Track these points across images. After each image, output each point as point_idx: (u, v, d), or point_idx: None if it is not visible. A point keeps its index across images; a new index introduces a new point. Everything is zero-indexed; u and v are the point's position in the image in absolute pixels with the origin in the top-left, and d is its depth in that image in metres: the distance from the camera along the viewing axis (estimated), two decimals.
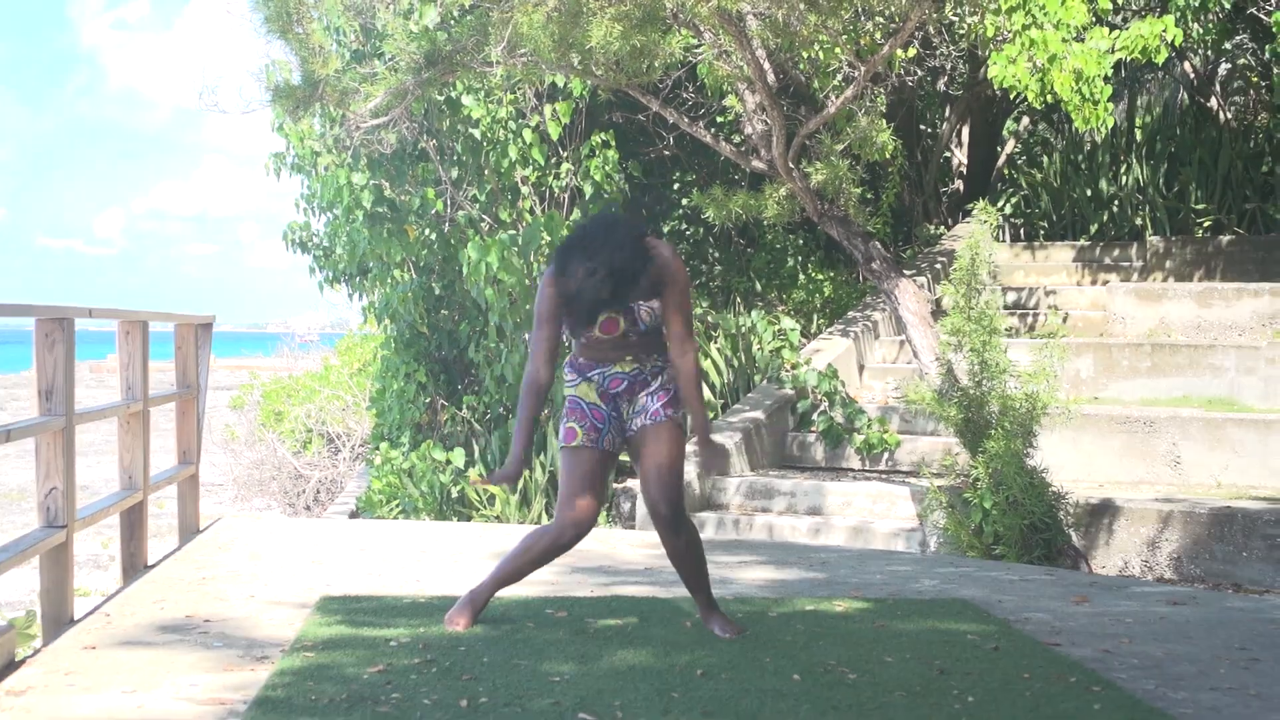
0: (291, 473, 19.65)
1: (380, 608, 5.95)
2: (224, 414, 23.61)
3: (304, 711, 4.32)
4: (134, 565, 7.04)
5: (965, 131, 18.70)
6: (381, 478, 12.94)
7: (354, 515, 13.36)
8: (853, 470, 11.85)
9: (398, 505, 12.67)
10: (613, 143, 13.07)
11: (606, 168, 12.84)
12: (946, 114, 18.31)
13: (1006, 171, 18.53)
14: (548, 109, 12.70)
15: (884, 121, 11.46)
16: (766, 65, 10.26)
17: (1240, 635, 5.71)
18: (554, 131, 12.67)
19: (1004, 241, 17.05)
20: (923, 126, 18.70)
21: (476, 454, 12.59)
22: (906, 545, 10.04)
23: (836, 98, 10.54)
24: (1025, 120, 19.37)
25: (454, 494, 12.18)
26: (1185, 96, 18.03)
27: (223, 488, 20.31)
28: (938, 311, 11.04)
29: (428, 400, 13.70)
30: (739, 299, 15.57)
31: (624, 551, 7.95)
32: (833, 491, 10.83)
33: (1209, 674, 5.00)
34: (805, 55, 10.80)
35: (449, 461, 12.38)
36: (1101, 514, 9.79)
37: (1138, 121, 17.23)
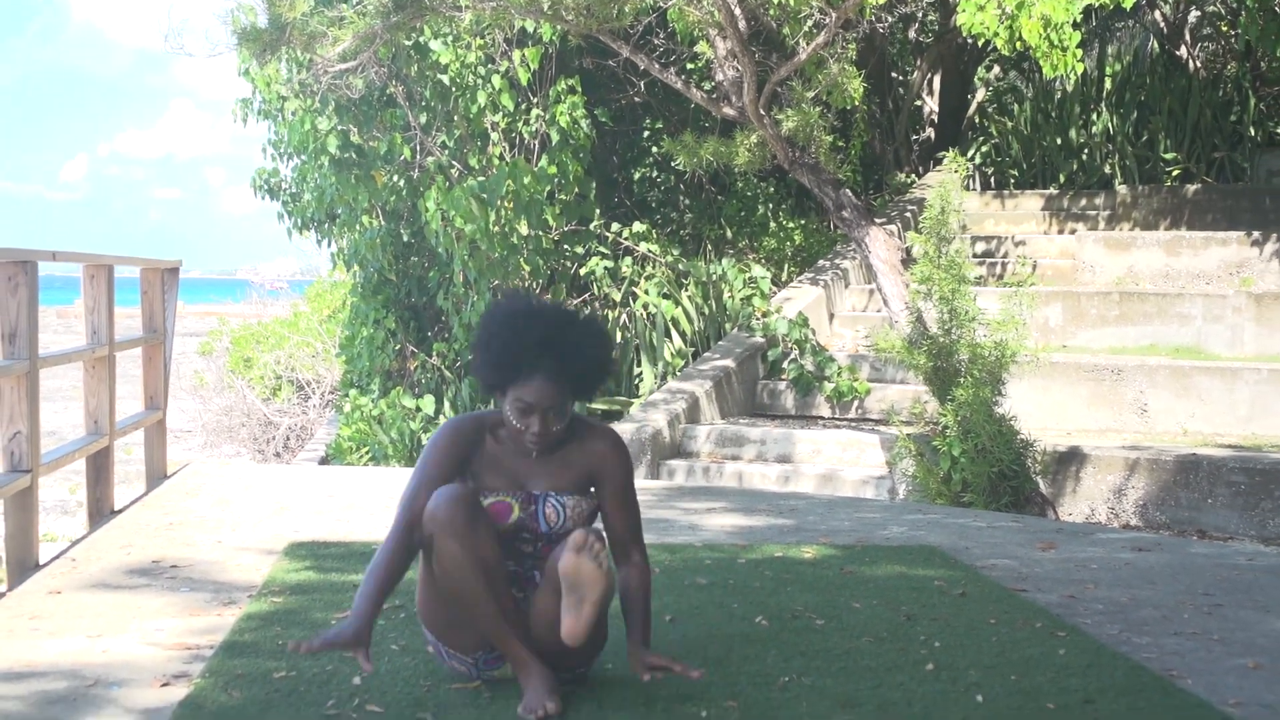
0: (261, 419, 19.60)
1: (348, 553, 5.94)
2: (193, 360, 23.51)
3: (270, 655, 4.31)
4: (100, 511, 7.01)
5: (936, 80, 18.65)
6: (351, 425, 12.93)
7: (324, 462, 13.35)
8: (823, 418, 11.87)
9: (367, 452, 12.67)
10: (579, 88, 13.01)
11: (574, 114, 12.78)
12: (918, 62, 18.27)
13: (978, 120, 18.52)
14: (516, 54, 12.63)
15: (855, 69, 11.43)
16: (738, 11, 10.21)
17: (1204, 581, 5.74)
18: (523, 77, 12.61)
19: (974, 190, 17.06)
20: (894, 74, 18.66)
21: (446, 402, 12.58)
22: (875, 493, 10.07)
23: (807, 44, 10.50)
24: (996, 69, 19.35)
25: (423, 440, 12.18)
26: (1155, 45, 18.02)
27: (191, 434, 20.23)
28: (908, 260, 11.03)
29: (397, 347, 13.68)
30: (710, 247, 15.55)
31: None
32: (802, 439, 10.85)
33: (1173, 619, 5.03)
34: (776, 1, 10.74)
35: (419, 408, 12.37)
36: (1069, 461, 9.83)
37: (1108, 70, 17.22)
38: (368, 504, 7.45)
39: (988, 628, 4.80)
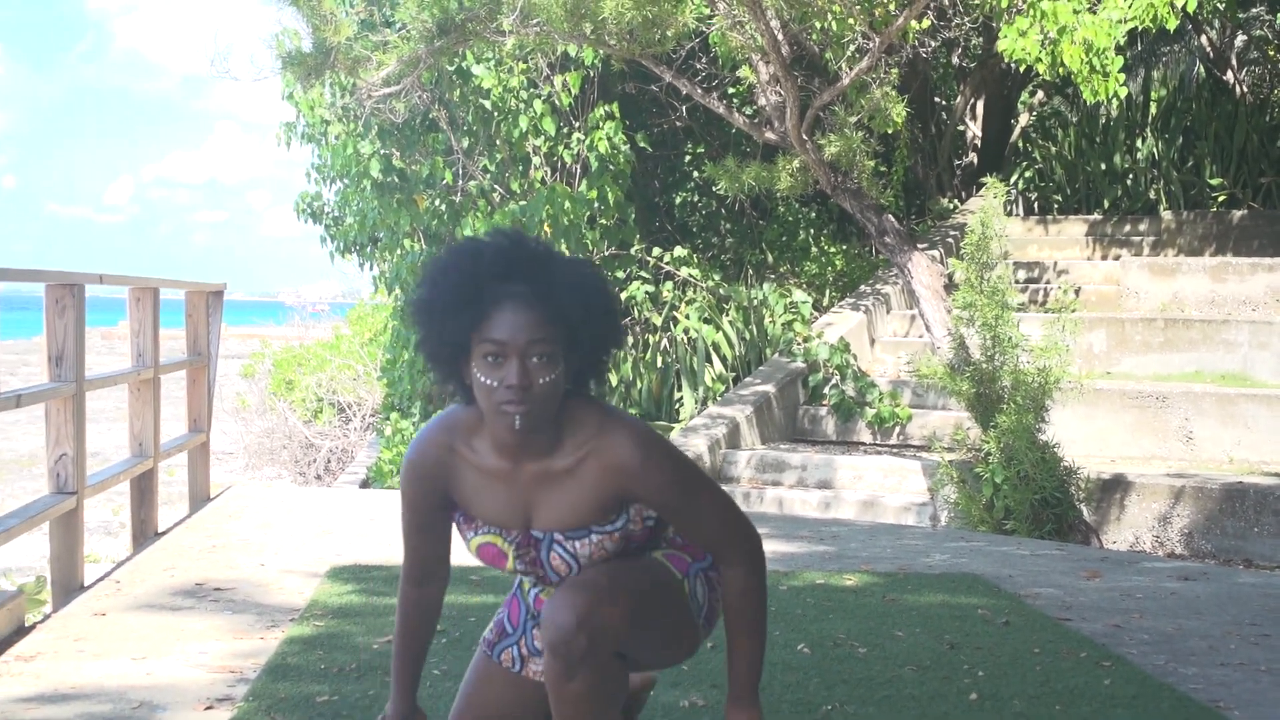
0: (302, 442, 19.64)
1: (391, 577, 5.94)
2: (235, 382, 23.59)
3: (315, 679, 4.32)
4: (144, 532, 7.04)
5: (980, 105, 18.62)
6: (391, 448, 12.95)
7: (364, 485, 13.38)
8: (864, 444, 11.83)
9: None
10: (617, 114, 13.03)
11: (613, 139, 12.79)
12: (961, 87, 18.24)
13: (1021, 145, 18.46)
14: (558, 79, 12.66)
15: (897, 94, 11.42)
16: (780, 36, 10.21)
17: (1251, 611, 5.69)
18: (564, 101, 12.63)
19: (1017, 215, 17.00)
20: (937, 99, 18.63)
21: None
22: (917, 520, 10.02)
23: (850, 69, 10.50)
24: (1040, 94, 19.29)
25: None
26: (1201, 70, 17.94)
27: (234, 456, 20.30)
28: (950, 285, 11.00)
29: None
30: (751, 271, 15.54)
31: None
32: (844, 465, 10.80)
33: (1220, 649, 4.99)
34: (819, 26, 10.74)
35: None
36: (1113, 489, 9.76)
37: (1153, 95, 17.15)
38: None
39: (1031, 657, 4.77)
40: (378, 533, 7.23)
